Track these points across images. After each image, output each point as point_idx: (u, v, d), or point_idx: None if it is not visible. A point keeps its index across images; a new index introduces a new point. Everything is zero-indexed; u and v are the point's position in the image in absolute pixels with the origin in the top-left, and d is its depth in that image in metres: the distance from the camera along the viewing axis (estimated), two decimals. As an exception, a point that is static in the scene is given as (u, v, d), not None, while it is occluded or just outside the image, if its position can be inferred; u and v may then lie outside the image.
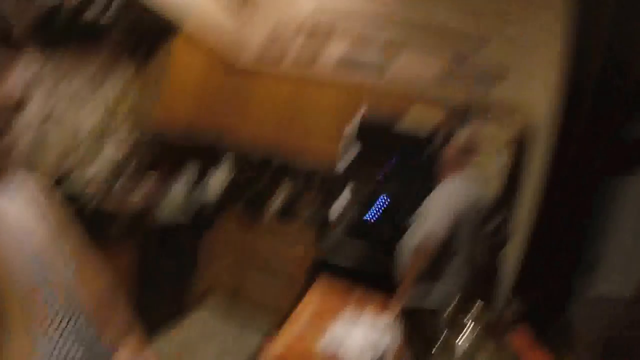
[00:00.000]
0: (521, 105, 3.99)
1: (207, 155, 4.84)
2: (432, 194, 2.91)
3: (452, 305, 2.69)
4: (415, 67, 4.50)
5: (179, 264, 3.76)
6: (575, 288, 6.64)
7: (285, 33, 4.80)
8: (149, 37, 3.54)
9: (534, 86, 4.10)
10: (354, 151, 4.18)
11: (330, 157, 4.36)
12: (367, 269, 3.88)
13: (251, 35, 4.84)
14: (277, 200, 4.53)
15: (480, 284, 3.68)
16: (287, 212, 4.52)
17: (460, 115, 4.17)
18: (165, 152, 4.35)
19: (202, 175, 4.67)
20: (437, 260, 2.73)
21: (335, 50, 4.68)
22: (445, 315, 2.25)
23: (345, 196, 4.50)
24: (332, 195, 4.57)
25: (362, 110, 4.26)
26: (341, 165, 4.23)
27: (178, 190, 4.13)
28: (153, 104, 3.66)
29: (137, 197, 3.50)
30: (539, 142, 3.82)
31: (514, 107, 3.98)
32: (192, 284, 4.14)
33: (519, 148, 4.04)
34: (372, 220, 4.45)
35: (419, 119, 4.17)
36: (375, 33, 4.59)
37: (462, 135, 4.08)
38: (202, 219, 4.05)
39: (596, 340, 4.74)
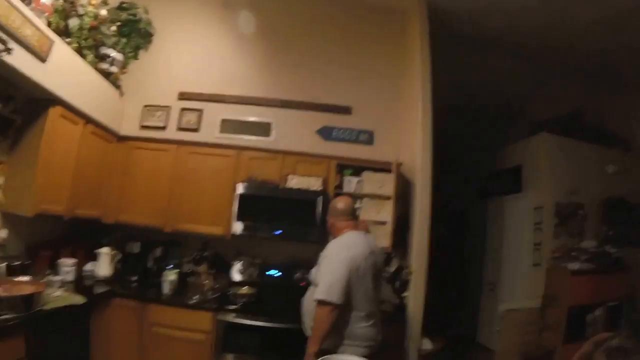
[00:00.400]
0: (398, 161, 4.34)
1: (93, 234, 4.41)
2: (325, 248, 2.85)
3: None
4: (295, 130, 4.64)
5: (70, 350, 3.36)
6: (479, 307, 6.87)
7: (167, 101, 4.67)
8: (22, 113, 3.33)
9: (405, 145, 4.58)
10: (243, 217, 4.16)
11: (219, 225, 4.28)
12: (276, 326, 3.71)
13: (133, 105, 4.61)
14: (170, 278, 4.23)
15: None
16: (181, 290, 4.21)
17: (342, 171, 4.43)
18: (50, 232, 3.95)
19: (90, 254, 4.29)
20: (345, 310, 2.68)
21: (218, 115, 4.64)
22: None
23: (242, 261, 4.49)
24: (226, 265, 4.49)
25: (249, 175, 4.34)
26: (232, 233, 4.19)
27: (66, 270, 3.79)
28: (30, 182, 3.29)
29: (23, 280, 3.16)
30: (418, 192, 4.20)
31: (389, 163, 4.31)
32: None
33: (403, 198, 4.34)
34: (275, 277, 4.47)
35: (304, 178, 4.33)
36: (255, 98, 4.70)
37: (349, 189, 4.38)
38: (93, 301, 3.67)
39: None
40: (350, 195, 4.08)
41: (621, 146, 6.75)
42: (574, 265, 5.40)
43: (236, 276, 4.44)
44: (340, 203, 3.01)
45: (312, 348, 2.59)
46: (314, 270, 2.81)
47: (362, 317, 2.70)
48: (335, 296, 2.53)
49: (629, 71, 6.02)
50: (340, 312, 2.61)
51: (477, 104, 7.12)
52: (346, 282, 2.59)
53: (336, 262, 2.65)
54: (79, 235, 4.30)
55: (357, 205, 3.87)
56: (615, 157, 6.48)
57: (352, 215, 2.98)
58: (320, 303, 2.56)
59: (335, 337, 2.66)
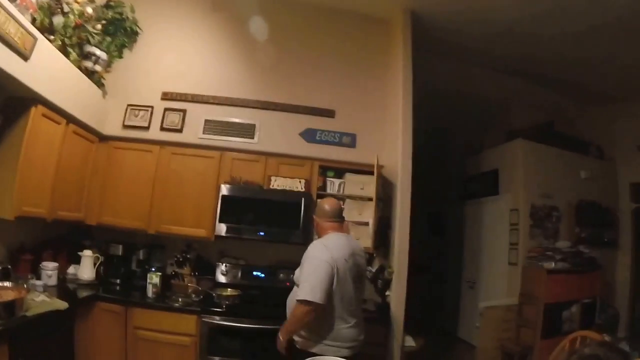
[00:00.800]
0: (380, 164, 4.39)
1: (75, 236, 4.34)
2: (308, 249, 2.87)
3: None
4: (278, 132, 4.68)
5: (55, 356, 3.31)
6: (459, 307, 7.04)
7: (151, 101, 4.62)
8: (3, 112, 3.21)
9: (386, 148, 4.68)
10: (226, 218, 4.17)
11: (202, 227, 4.27)
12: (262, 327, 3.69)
13: (116, 104, 4.55)
14: (153, 281, 4.19)
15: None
16: (165, 293, 4.14)
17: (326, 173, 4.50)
18: (31, 235, 3.85)
19: (72, 258, 4.17)
20: (326, 311, 2.72)
21: (201, 115, 4.64)
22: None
23: (225, 263, 4.51)
24: (210, 267, 4.51)
25: (232, 176, 4.35)
26: (216, 235, 4.19)
27: (48, 275, 3.72)
28: (11, 184, 3.18)
29: (5, 285, 3.10)
30: (399, 194, 4.29)
31: (371, 165, 4.35)
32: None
33: (385, 200, 4.43)
34: (259, 278, 4.49)
35: (287, 179, 4.38)
36: (239, 99, 4.73)
37: (332, 190, 4.44)
38: (76, 305, 3.61)
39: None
40: (333, 196, 4.16)
41: (594, 154, 7.04)
42: (550, 265, 5.59)
43: (220, 278, 4.45)
44: (327, 204, 3.04)
45: (282, 337, 2.72)
46: (297, 271, 2.83)
47: (343, 318, 2.74)
48: (317, 296, 2.57)
49: (602, 83, 6.32)
50: (322, 313, 2.66)
51: (457, 110, 7.32)
52: (328, 283, 2.63)
53: (318, 263, 2.68)
54: (61, 238, 4.23)
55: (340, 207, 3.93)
56: (588, 164, 6.79)
57: (338, 217, 3.01)
58: (302, 302, 2.59)
59: (316, 338, 2.70)
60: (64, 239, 4.26)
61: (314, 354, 2.56)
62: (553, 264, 5.61)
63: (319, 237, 3.00)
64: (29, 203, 3.35)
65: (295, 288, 2.85)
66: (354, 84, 4.91)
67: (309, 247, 2.84)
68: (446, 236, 8.52)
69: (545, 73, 6.12)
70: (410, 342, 4.28)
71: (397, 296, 4.14)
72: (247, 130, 4.60)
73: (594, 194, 6.77)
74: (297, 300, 2.63)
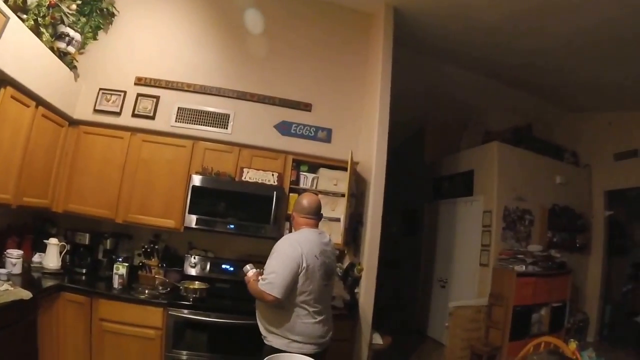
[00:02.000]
0: (354, 160, 4.50)
1: (40, 224, 4.31)
2: (278, 242, 2.93)
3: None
4: (253, 123, 4.69)
5: (17, 347, 3.28)
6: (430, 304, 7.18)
7: (123, 85, 4.56)
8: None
9: (362, 145, 4.76)
10: (196, 210, 4.17)
11: (172, 217, 4.27)
12: (229, 322, 3.72)
13: (88, 88, 4.49)
14: (120, 271, 4.16)
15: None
16: (131, 284, 4.11)
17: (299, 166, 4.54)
18: None
19: (37, 246, 4.10)
20: (292, 306, 2.80)
21: (175, 103, 4.61)
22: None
23: (194, 255, 4.52)
24: (178, 259, 4.52)
25: (203, 166, 4.35)
26: (185, 226, 4.19)
27: (12, 263, 3.67)
28: None
29: None
30: (372, 191, 4.36)
31: (345, 161, 4.45)
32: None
33: (357, 196, 4.49)
34: (228, 272, 4.51)
35: (259, 172, 4.41)
36: (215, 88, 4.71)
37: (305, 184, 4.49)
38: (41, 295, 3.56)
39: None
40: (305, 191, 4.21)
41: (569, 159, 7.23)
42: (520, 267, 5.74)
43: (188, 270, 4.46)
44: (305, 200, 3.09)
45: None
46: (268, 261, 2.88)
47: (309, 314, 2.81)
48: (276, 290, 2.66)
49: (579, 92, 6.56)
50: (288, 308, 2.76)
51: (435, 109, 7.44)
52: (291, 279, 2.71)
53: (284, 258, 2.76)
54: (26, 225, 4.17)
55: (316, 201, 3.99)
56: (563, 169, 6.99)
57: (315, 214, 3.06)
58: (265, 292, 2.69)
59: (283, 332, 2.77)
60: (29, 227, 4.20)
61: (279, 350, 2.64)
62: (524, 267, 5.76)
63: (293, 231, 3.08)
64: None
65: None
66: (332, 79, 4.96)
67: (279, 241, 2.91)
68: (419, 234, 8.62)
69: (523, 78, 6.27)
70: (378, 339, 4.37)
71: (366, 293, 4.21)
72: (220, 120, 4.60)
73: (567, 200, 6.98)
74: (261, 287, 2.73)
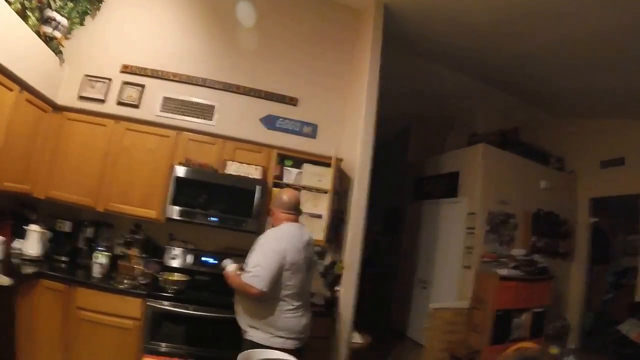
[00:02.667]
0: (338, 157, 4.56)
1: (20, 210, 4.25)
2: (261, 236, 2.99)
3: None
4: (238, 115, 4.70)
5: None
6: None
7: (109, 73, 4.56)
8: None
9: (346, 142, 4.79)
10: (178, 201, 4.16)
11: (153, 208, 4.25)
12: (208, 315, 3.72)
13: (73, 74, 4.47)
14: (100, 260, 4.03)
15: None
16: (111, 273, 4.10)
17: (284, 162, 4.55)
18: None
19: (17, 232, 4.05)
20: (275, 300, 2.85)
21: (160, 92, 4.61)
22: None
23: (175, 246, 4.49)
24: (159, 250, 4.50)
25: (186, 158, 4.34)
26: (167, 217, 4.17)
27: None
28: None
29: None
30: (355, 188, 4.39)
31: (330, 158, 4.49)
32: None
33: (341, 193, 4.52)
34: (209, 264, 4.48)
35: (243, 165, 4.39)
36: (201, 79, 4.71)
37: (288, 179, 4.50)
38: (20, 282, 3.54)
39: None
40: (289, 186, 4.24)
41: (555, 165, 7.31)
42: (503, 271, 5.80)
43: (169, 262, 4.44)
44: (286, 195, 3.15)
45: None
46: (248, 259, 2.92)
47: (291, 309, 2.87)
48: (262, 283, 2.70)
49: (566, 98, 6.62)
50: (272, 302, 2.81)
51: (421, 109, 7.50)
52: (276, 272, 2.77)
53: (268, 252, 2.81)
54: (5, 210, 4.15)
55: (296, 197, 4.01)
56: (548, 174, 7.07)
57: (294, 209, 3.12)
58: (248, 285, 2.73)
59: (264, 327, 2.82)
60: (8, 212, 4.17)
61: (260, 345, 2.68)
62: (506, 271, 5.83)
63: (273, 226, 3.11)
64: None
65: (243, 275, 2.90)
66: (320, 74, 5.00)
67: (263, 235, 2.97)
68: (401, 234, 8.68)
69: (511, 81, 6.35)
70: (357, 338, 4.41)
71: (347, 291, 4.26)
72: (205, 111, 4.62)
73: (552, 205, 7.06)
74: (244, 280, 2.76)
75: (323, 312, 4.08)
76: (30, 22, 3.72)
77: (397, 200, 9.00)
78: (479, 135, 6.98)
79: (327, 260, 4.45)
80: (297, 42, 5.01)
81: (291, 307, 2.86)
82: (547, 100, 6.88)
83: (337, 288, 4.33)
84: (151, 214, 4.26)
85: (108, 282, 3.88)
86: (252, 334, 2.83)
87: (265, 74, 4.85)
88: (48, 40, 4.06)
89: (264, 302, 2.80)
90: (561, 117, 7.47)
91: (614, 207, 7.23)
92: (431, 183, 7.85)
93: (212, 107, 4.64)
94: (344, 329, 4.18)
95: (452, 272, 6.67)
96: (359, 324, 4.45)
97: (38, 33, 3.89)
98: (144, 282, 3.99)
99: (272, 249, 2.81)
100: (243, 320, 2.91)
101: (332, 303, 4.27)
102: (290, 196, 3.13)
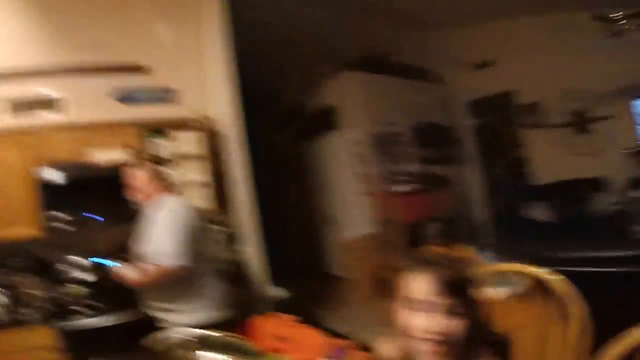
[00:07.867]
0: (208, 119, 4.41)
1: None
2: (149, 216, 2.91)
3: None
4: (88, 99, 4.28)
5: None
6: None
7: None
8: None
9: (214, 101, 4.62)
10: (53, 208, 3.81)
11: (26, 224, 3.81)
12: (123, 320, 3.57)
13: None
14: None
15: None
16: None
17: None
18: None
19: None
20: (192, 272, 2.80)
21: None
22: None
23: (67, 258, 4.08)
24: (52, 268, 4.06)
25: (47, 159, 3.87)
26: (46, 229, 3.81)
27: None
28: None
29: None
30: (231, 146, 4.31)
31: (199, 121, 4.33)
32: None
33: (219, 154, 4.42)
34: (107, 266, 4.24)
35: (109, 151, 4.06)
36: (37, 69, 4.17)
37: (159, 152, 4.30)
38: None
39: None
40: (161, 158, 4.10)
41: (431, 78, 7.55)
42: (401, 188, 5.99)
43: (67, 276, 4.02)
44: (157, 170, 3.21)
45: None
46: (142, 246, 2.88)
47: (214, 275, 2.98)
48: (180, 258, 2.66)
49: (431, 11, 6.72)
50: (195, 275, 2.79)
51: (286, 45, 7.37)
52: (188, 242, 2.72)
53: (170, 225, 2.74)
54: None
55: (170, 168, 3.97)
56: (425, 88, 7.31)
57: (160, 179, 3.08)
58: (165, 266, 2.66)
59: (193, 304, 2.81)
60: None
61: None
62: (404, 187, 6.04)
63: (149, 204, 2.99)
64: None
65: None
66: (167, 32, 4.59)
67: (159, 212, 2.85)
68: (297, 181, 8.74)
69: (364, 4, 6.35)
70: (278, 292, 4.39)
71: (252, 249, 4.30)
72: (52, 103, 4.16)
73: (434, 116, 7.34)
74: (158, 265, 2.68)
75: (234, 276, 4.00)
76: None
77: (280, 145, 9.00)
78: (350, 64, 7.03)
79: (221, 224, 4.35)
80: (138, 5, 4.58)
81: (213, 274, 2.95)
82: (412, 17, 6.95)
83: (237, 249, 4.30)
84: (26, 231, 3.82)
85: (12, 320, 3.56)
86: (180, 318, 2.75)
87: (108, 46, 4.39)
88: None
89: (186, 279, 2.76)
90: (430, 30, 7.62)
91: (498, 105, 7.58)
92: (309, 121, 7.93)
93: (58, 97, 4.18)
94: (261, 286, 4.22)
95: (352, 201, 6.83)
96: (282, 272, 4.46)
97: None
98: (46, 306, 3.66)
99: (173, 223, 2.76)
100: (163, 308, 2.86)
101: (238, 266, 4.22)
102: (161, 170, 3.20)
